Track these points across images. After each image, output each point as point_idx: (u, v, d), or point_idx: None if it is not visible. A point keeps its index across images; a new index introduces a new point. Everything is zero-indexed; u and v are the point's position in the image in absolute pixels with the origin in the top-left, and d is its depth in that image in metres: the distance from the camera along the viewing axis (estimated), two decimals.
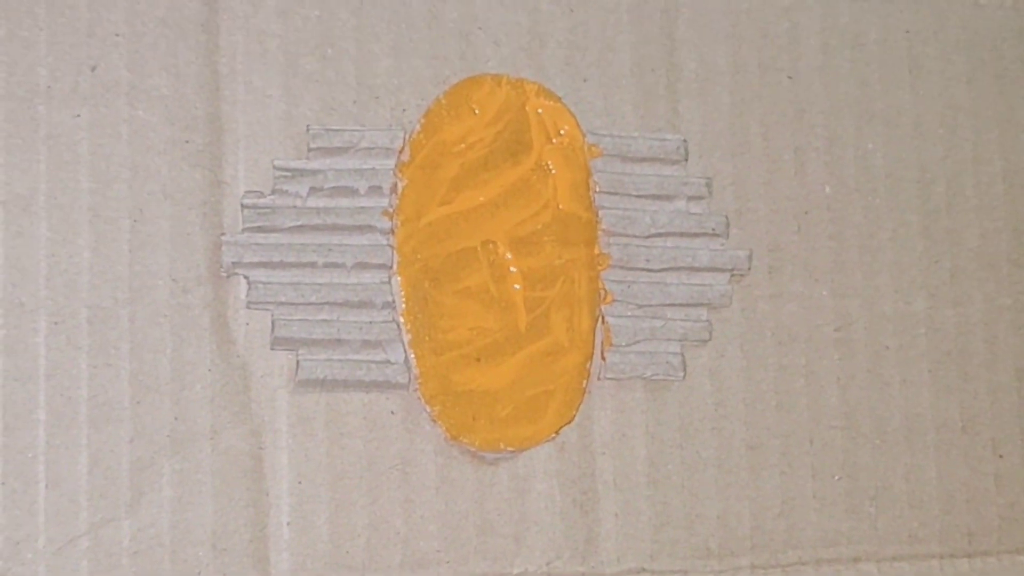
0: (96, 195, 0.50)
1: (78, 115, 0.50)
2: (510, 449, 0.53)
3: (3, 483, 0.48)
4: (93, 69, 0.50)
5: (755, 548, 0.55)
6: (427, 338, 0.52)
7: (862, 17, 0.58)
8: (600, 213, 0.54)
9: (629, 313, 0.54)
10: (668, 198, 0.55)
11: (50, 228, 0.50)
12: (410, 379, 0.52)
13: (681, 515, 0.54)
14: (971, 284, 0.58)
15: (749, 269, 0.56)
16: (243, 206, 0.51)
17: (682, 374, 0.55)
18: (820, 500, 0.55)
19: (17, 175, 0.50)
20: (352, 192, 0.52)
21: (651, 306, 0.55)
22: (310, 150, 0.52)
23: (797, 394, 0.56)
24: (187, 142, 0.51)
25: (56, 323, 0.49)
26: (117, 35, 0.51)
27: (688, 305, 0.55)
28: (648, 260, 0.55)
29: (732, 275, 0.55)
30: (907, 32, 0.59)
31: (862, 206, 0.57)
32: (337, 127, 0.52)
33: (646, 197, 0.55)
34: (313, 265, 0.52)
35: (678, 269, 0.55)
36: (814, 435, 0.56)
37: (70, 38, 0.50)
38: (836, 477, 0.56)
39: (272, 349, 0.51)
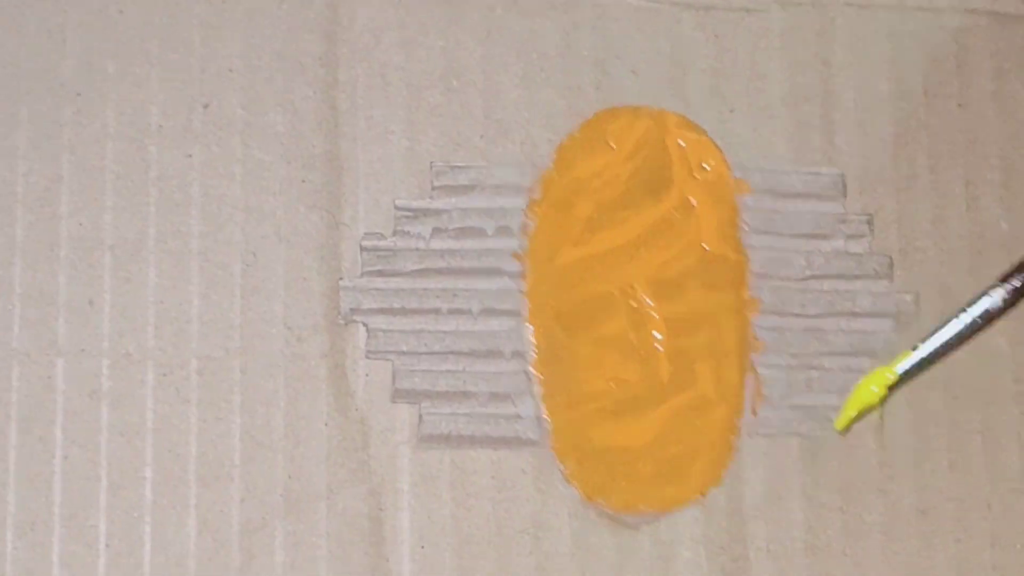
0: (207, 238, 0.48)
1: (190, 155, 0.48)
2: (652, 511, 0.49)
3: (107, 545, 0.46)
4: (206, 106, 0.48)
5: None
6: (561, 390, 0.49)
7: None
8: (749, 254, 0.51)
9: (782, 363, 0.50)
10: (825, 237, 0.51)
11: (159, 273, 0.48)
12: (542, 434, 0.49)
13: None
14: None
15: (916, 315, 0.51)
16: (362, 248, 0.49)
17: (843, 429, 0.50)
18: (1001, 571, 0.51)
19: (126, 218, 0.48)
20: (479, 233, 0.49)
21: (807, 355, 0.51)
22: (434, 188, 0.49)
23: (973, 453, 0.51)
24: (304, 181, 0.49)
25: (164, 374, 0.47)
26: (231, 70, 0.49)
27: (848, 354, 0.51)
28: (803, 305, 0.51)
29: (897, 321, 0.51)
30: None
31: None
32: (463, 164, 0.49)
33: (800, 236, 0.51)
34: (437, 311, 0.49)
35: (837, 315, 0.51)
36: (992, 499, 0.51)
37: (182, 74, 0.48)
38: (1018, 546, 0.51)
39: (393, 402, 0.48)
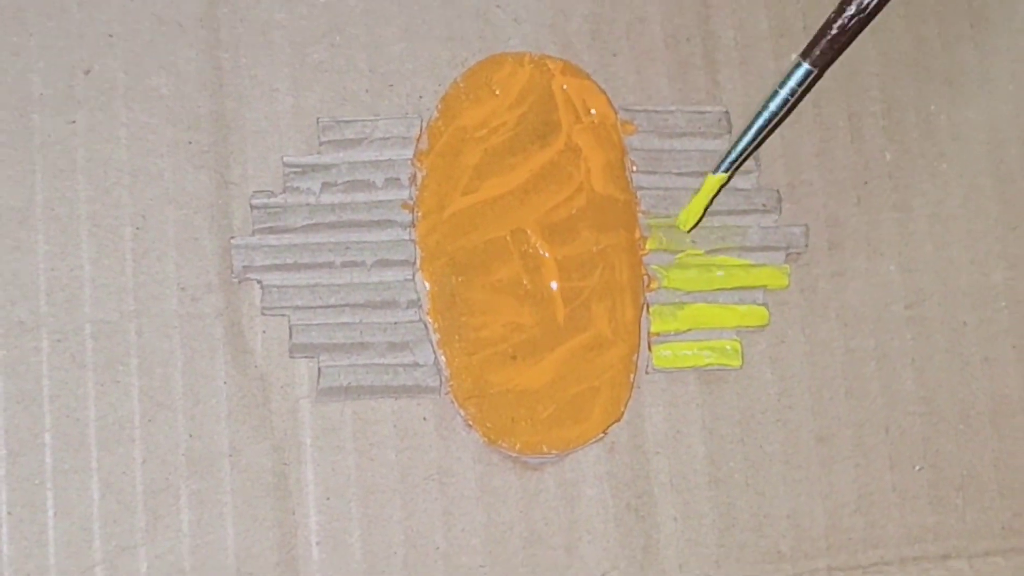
0: (96, 203, 0.48)
1: (73, 121, 0.48)
2: (555, 452, 0.49)
3: (10, 512, 0.46)
4: (87, 72, 0.48)
5: (831, 549, 0.50)
6: (457, 337, 0.49)
7: None
8: (638, 194, 0.51)
9: (676, 300, 0.50)
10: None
11: (48, 241, 0.47)
12: (441, 381, 0.49)
13: (747, 516, 0.50)
14: None
15: (806, 246, 0.52)
16: (252, 207, 0.49)
17: (739, 363, 0.51)
18: (901, 493, 0.51)
19: (12, 187, 0.47)
20: (368, 185, 0.49)
21: (701, 292, 0.51)
22: (321, 144, 0.49)
23: (868, 379, 0.52)
24: (190, 143, 0.48)
25: (59, 340, 0.47)
26: (111, 35, 0.48)
27: (742, 288, 0.51)
28: (694, 242, 0.51)
29: (788, 254, 0.52)
30: None
31: (928, 172, 0.53)
32: (349, 118, 0.49)
33: (688, 175, 0.51)
34: (330, 265, 0.49)
35: (728, 250, 0.51)
36: (890, 422, 0.52)
37: (61, 41, 0.48)
38: (917, 467, 0.52)
39: (291, 357, 0.48)
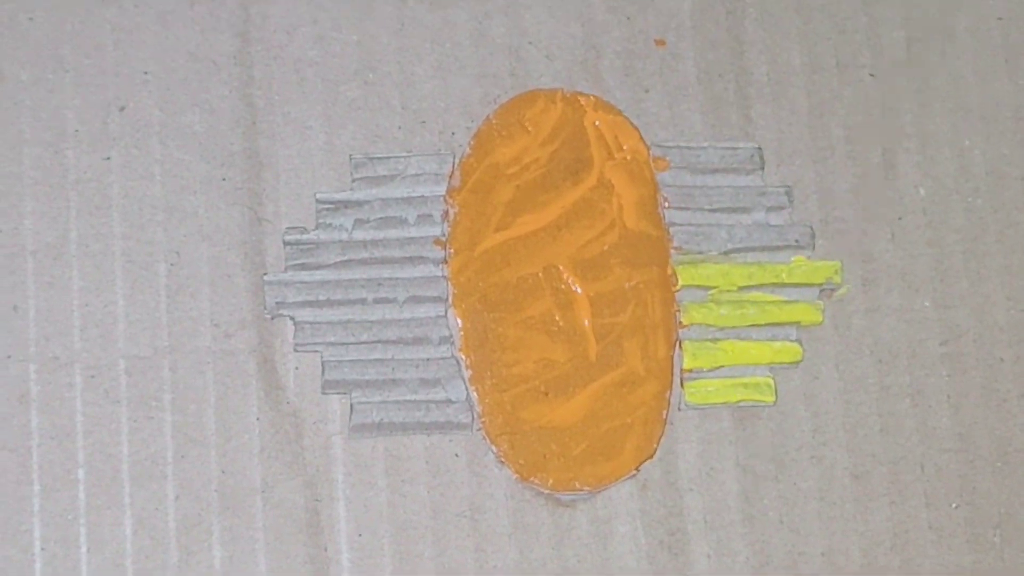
0: (130, 240, 0.48)
1: (108, 157, 0.48)
2: (587, 488, 0.49)
3: (43, 548, 0.46)
4: (122, 109, 0.48)
5: None
6: (489, 373, 0.49)
7: (949, 5, 0.54)
8: (671, 230, 0.51)
9: (709, 336, 0.50)
10: (745, 210, 0.51)
11: (82, 277, 0.48)
12: (473, 418, 0.49)
13: (782, 554, 0.50)
14: None
15: (840, 283, 0.51)
16: (285, 243, 0.49)
17: (773, 399, 0.50)
18: (937, 531, 0.51)
19: (46, 223, 0.48)
20: (401, 222, 0.49)
21: (734, 328, 0.50)
22: (354, 180, 0.49)
23: (903, 416, 0.51)
24: (224, 180, 0.49)
25: (92, 376, 0.47)
26: (146, 73, 0.49)
27: (775, 325, 0.51)
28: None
29: (822, 290, 0.51)
30: (1000, 19, 0.55)
31: (962, 208, 0.53)
32: (382, 155, 0.49)
33: (721, 211, 0.51)
34: (363, 302, 0.49)
35: (761, 286, 0.51)
36: (925, 460, 0.51)
37: (97, 79, 0.49)
38: (954, 505, 0.51)
39: (323, 393, 0.48)
